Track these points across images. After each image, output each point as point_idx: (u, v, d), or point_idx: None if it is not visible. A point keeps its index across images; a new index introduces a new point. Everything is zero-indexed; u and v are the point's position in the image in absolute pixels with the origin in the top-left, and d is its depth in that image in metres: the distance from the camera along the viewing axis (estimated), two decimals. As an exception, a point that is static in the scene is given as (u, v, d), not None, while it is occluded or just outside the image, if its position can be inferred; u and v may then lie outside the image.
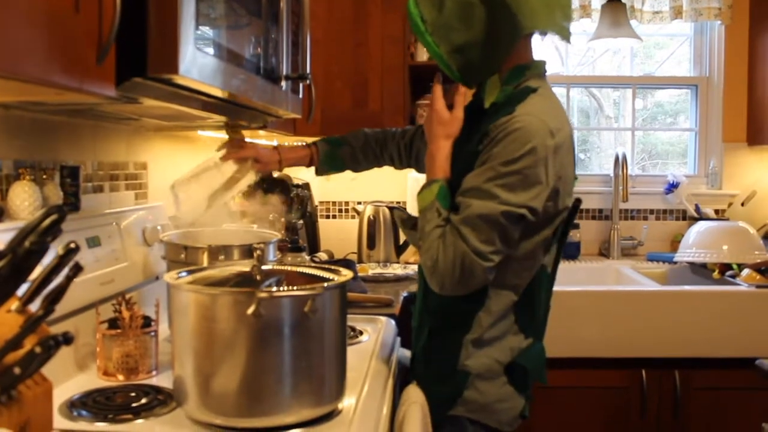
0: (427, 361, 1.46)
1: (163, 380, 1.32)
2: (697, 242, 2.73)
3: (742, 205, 3.08)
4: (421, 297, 1.50)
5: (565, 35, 1.39)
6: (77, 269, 0.96)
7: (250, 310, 1.01)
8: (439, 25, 1.37)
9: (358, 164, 1.83)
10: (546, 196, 1.30)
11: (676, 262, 2.88)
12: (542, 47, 1.47)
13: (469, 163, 1.33)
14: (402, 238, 2.85)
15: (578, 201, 1.45)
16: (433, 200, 1.34)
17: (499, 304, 1.38)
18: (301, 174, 2.90)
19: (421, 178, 1.45)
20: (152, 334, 1.37)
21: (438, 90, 1.44)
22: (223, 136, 1.79)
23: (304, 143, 1.81)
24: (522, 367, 1.40)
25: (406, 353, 1.68)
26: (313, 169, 1.82)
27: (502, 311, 1.39)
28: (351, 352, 1.22)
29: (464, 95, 1.43)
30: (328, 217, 3.13)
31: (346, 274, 1.17)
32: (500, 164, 1.27)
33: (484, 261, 1.28)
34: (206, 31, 1.13)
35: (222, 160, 1.68)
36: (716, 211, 3.11)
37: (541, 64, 1.43)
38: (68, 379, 1.30)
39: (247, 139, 1.79)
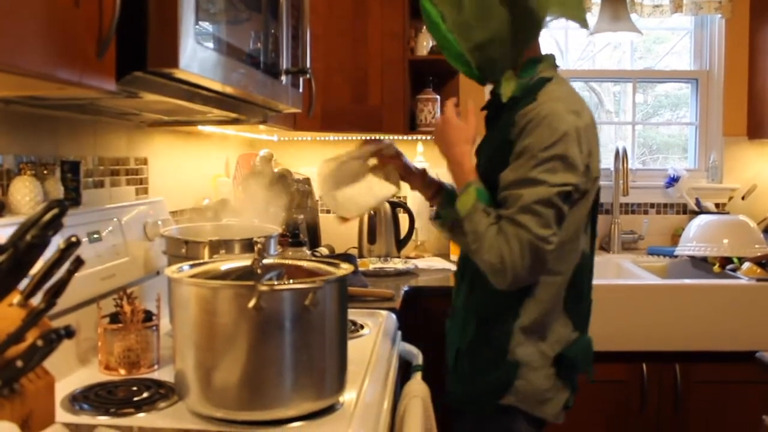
0: (474, 353, 1.46)
1: (164, 374, 1.32)
2: (697, 236, 2.73)
3: (743, 198, 3.08)
4: (465, 293, 1.50)
5: (585, 24, 1.43)
6: (78, 263, 0.97)
7: (251, 304, 1.01)
8: (460, 23, 1.41)
9: None
10: (582, 172, 1.34)
11: (676, 256, 2.88)
12: (542, 41, 1.49)
13: (503, 155, 1.36)
14: (402, 232, 2.86)
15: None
16: (475, 203, 1.37)
17: (546, 291, 1.40)
18: (303, 169, 2.90)
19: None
20: (153, 328, 1.38)
21: (451, 102, 1.49)
22: (222, 131, 1.77)
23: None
24: (569, 360, 1.43)
25: (407, 347, 1.68)
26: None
27: (551, 299, 1.41)
28: (352, 345, 1.23)
29: (473, 106, 1.48)
30: (328, 211, 3.13)
31: (347, 267, 1.17)
32: (539, 151, 1.31)
33: (547, 245, 1.31)
34: (206, 25, 1.13)
35: (370, 163, 1.62)
36: (717, 205, 3.11)
37: (552, 57, 1.48)
38: (70, 374, 1.31)
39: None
